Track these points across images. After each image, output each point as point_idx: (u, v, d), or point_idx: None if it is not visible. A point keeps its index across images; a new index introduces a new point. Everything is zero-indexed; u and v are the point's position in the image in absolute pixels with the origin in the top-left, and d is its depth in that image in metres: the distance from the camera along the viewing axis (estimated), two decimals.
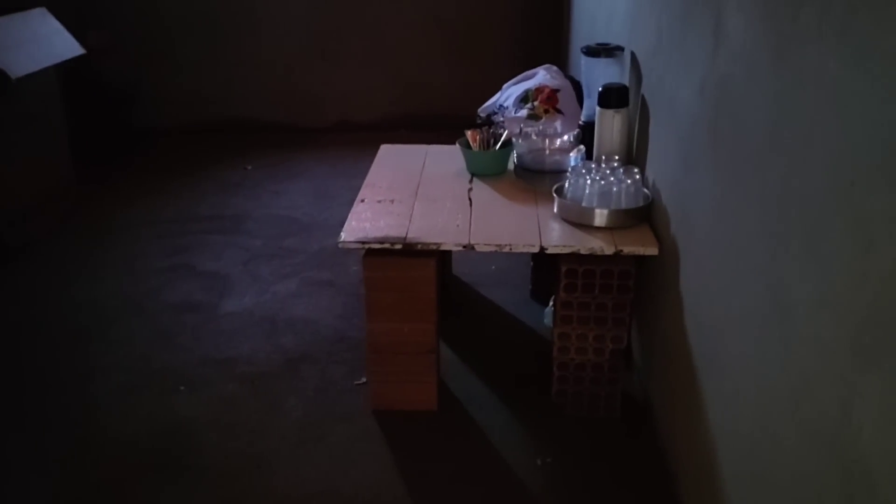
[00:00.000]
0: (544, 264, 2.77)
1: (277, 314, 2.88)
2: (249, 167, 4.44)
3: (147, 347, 2.68)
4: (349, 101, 5.06)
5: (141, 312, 2.90)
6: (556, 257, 2.15)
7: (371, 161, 2.81)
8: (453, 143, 2.73)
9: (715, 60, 1.67)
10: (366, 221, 2.26)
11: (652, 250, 2.08)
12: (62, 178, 3.81)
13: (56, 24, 3.69)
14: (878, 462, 0.97)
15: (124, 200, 3.98)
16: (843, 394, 1.06)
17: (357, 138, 4.76)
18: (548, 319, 2.67)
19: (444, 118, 4.70)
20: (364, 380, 2.44)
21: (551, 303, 2.66)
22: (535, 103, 3.27)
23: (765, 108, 1.38)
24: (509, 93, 3.53)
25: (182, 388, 2.46)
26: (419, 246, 2.12)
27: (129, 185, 4.21)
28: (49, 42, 3.59)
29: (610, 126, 2.38)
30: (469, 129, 2.67)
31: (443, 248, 2.13)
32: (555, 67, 3.59)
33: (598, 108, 2.39)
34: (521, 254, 3.04)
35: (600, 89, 2.38)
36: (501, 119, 3.25)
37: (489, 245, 2.11)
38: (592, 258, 2.09)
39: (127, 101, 4.89)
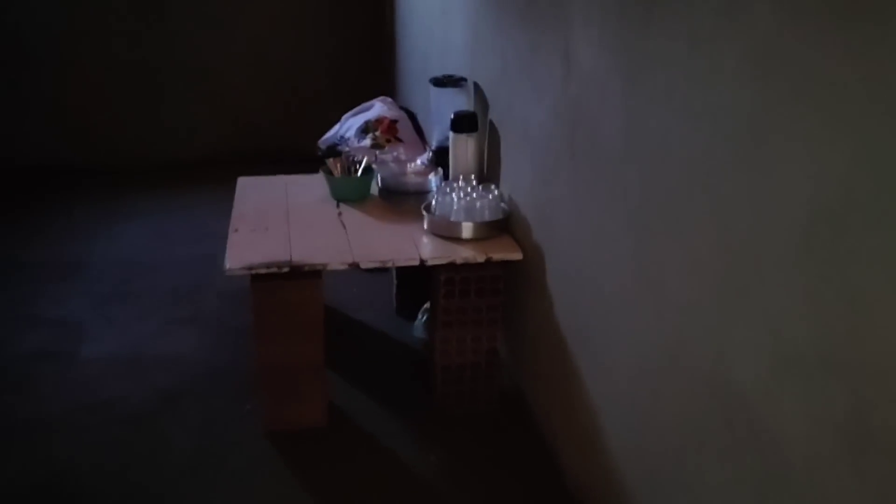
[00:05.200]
0: (409, 281, 2.95)
1: (143, 355, 2.83)
2: (74, 212, 4.25)
3: (5, 400, 2.53)
4: (176, 139, 4.97)
5: None
6: (433, 269, 2.34)
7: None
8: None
9: (566, 85, 1.95)
10: (246, 249, 2.32)
11: (517, 256, 2.34)
12: None
13: None
14: (750, 387, 1.25)
15: None
16: (717, 342, 1.34)
17: (188, 176, 4.69)
18: (418, 332, 2.85)
19: (272, 153, 4.76)
20: (249, 407, 2.48)
21: (420, 315, 2.85)
22: (377, 133, 3.49)
23: (619, 123, 1.67)
24: (349, 124, 3.72)
25: (54, 436, 2.36)
26: (306, 267, 2.23)
27: None
28: None
29: (464, 149, 2.63)
30: (314, 161, 2.82)
31: (329, 267, 2.25)
32: (389, 99, 3.84)
33: (451, 134, 2.63)
34: (378, 276, 3.22)
35: (452, 116, 2.63)
36: (347, 149, 3.42)
37: (373, 261, 2.27)
38: (466, 267, 2.31)
39: None
